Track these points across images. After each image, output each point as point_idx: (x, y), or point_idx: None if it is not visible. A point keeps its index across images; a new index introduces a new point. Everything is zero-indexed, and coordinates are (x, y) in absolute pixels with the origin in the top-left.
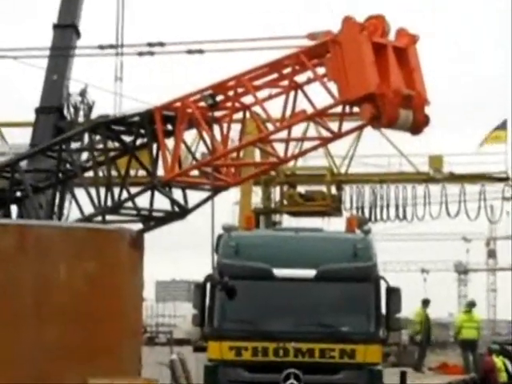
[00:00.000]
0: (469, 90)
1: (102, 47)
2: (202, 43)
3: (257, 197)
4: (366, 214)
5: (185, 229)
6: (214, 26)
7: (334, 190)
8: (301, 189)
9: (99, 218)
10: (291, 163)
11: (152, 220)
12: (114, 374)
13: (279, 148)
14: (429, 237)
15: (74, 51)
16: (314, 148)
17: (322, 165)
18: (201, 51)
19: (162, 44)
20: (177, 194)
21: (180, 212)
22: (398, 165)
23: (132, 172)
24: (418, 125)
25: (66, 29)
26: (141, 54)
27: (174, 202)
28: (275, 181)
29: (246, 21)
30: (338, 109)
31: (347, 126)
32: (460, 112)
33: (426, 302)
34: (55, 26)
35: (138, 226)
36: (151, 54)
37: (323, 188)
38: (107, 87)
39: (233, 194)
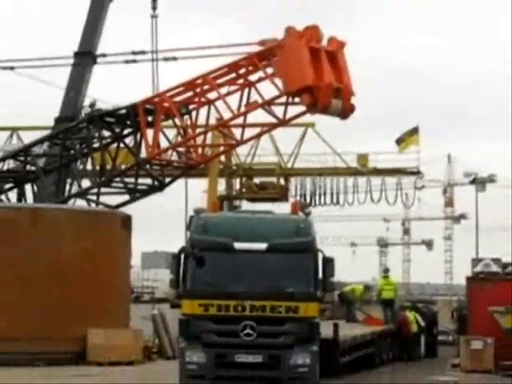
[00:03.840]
0: (387, 95)
1: (76, 54)
2: (175, 51)
3: (221, 186)
4: (308, 200)
5: (165, 211)
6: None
7: (282, 181)
8: (256, 180)
9: (95, 191)
10: (249, 160)
11: (137, 192)
12: (109, 325)
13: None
14: (356, 218)
15: (89, 74)
16: (264, 132)
17: (272, 161)
18: (175, 58)
19: (143, 52)
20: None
21: (159, 186)
22: (332, 161)
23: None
24: (345, 111)
25: (84, 56)
26: (127, 61)
27: (153, 177)
28: (236, 174)
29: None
30: (284, 100)
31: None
32: (381, 115)
33: (367, 288)
34: (76, 54)
35: (125, 197)
36: (135, 61)
37: (274, 179)
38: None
39: (202, 184)
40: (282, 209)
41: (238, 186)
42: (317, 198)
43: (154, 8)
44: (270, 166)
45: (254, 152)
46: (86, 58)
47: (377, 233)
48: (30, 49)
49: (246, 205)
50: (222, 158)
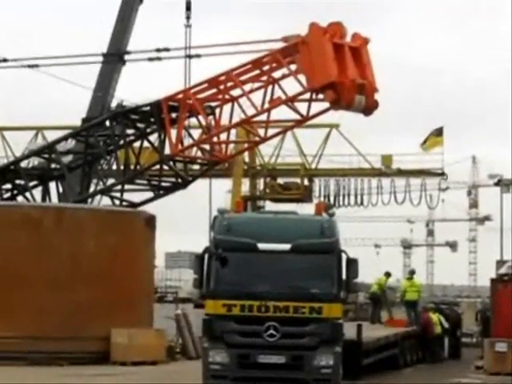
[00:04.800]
0: (411, 96)
1: (104, 55)
2: (199, 48)
3: (245, 186)
4: (332, 201)
5: (189, 211)
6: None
7: (306, 182)
8: (280, 180)
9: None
10: (272, 160)
11: (160, 189)
12: (132, 325)
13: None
14: (380, 219)
15: (117, 75)
16: (288, 129)
17: (297, 161)
18: (198, 56)
19: (167, 49)
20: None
21: (182, 183)
22: (356, 162)
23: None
24: (369, 107)
25: (113, 56)
26: (151, 59)
27: (177, 174)
28: (260, 174)
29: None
30: (307, 96)
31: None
32: (406, 117)
33: (388, 274)
34: (104, 55)
35: (149, 194)
36: (159, 59)
37: (298, 180)
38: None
39: (226, 185)
40: (306, 209)
41: (261, 187)
42: (341, 198)
43: (188, 18)
44: (294, 167)
45: (278, 152)
46: (114, 58)
47: (401, 234)
48: (56, 48)
49: (269, 205)
50: (246, 158)
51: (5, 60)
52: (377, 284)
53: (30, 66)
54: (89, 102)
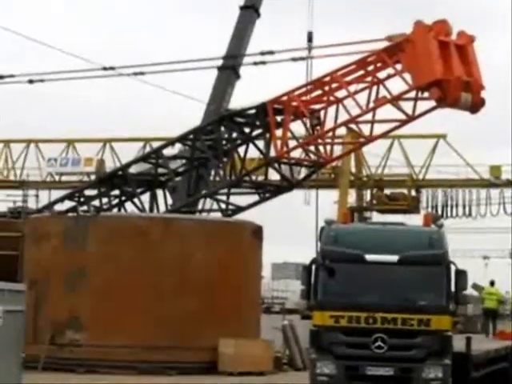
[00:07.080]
0: None
1: (220, 68)
2: (302, 50)
3: (352, 197)
4: (440, 212)
5: (296, 222)
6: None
7: (413, 193)
8: (387, 191)
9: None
10: (379, 171)
11: (266, 192)
12: (239, 335)
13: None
14: (489, 230)
15: (231, 89)
16: (394, 129)
17: (404, 172)
18: (303, 58)
19: (271, 52)
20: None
21: (288, 186)
22: (464, 173)
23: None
24: (475, 105)
25: (226, 71)
26: (256, 63)
27: (283, 176)
28: (366, 185)
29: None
30: (412, 95)
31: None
32: None
33: (492, 283)
34: (219, 68)
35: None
36: (263, 63)
37: (405, 191)
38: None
39: (333, 196)
40: (414, 221)
41: (368, 198)
42: (449, 209)
43: (309, 49)
44: (401, 178)
45: (385, 163)
46: (229, 71)
47: (510, 245)
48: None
49: (376, 216)
50: (353, 169)
51: (112, 68)
52: (491, 299)
53: (135, 74)
54: (202, 116)
